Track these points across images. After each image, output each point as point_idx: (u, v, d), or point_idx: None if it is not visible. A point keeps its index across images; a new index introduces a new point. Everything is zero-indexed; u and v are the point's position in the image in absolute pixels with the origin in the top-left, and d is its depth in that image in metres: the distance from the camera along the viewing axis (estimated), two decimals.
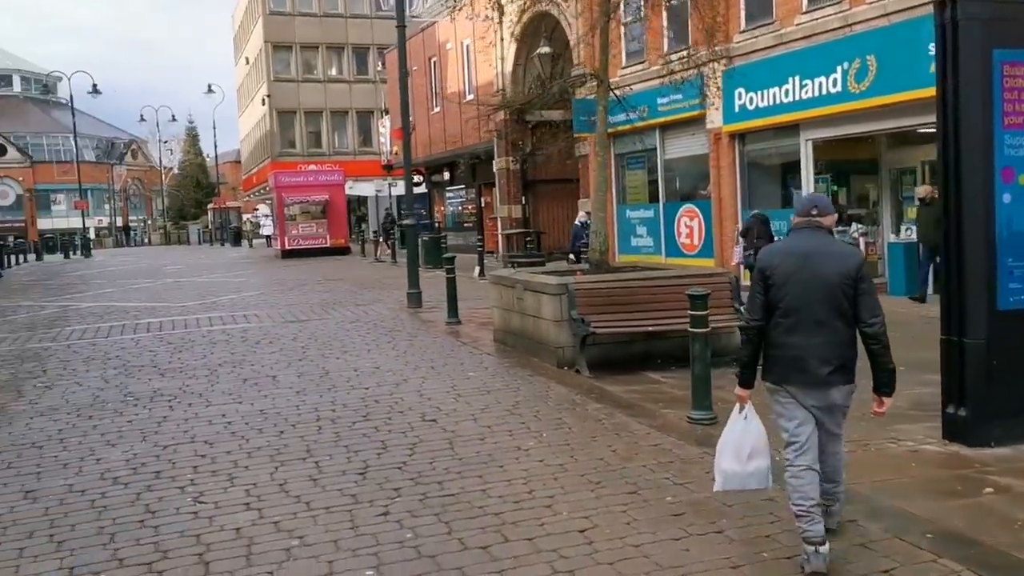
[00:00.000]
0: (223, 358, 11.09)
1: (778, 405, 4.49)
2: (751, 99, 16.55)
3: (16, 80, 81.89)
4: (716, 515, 5.05)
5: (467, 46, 29.74)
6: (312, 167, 41.81)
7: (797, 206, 4.66)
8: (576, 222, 16.37)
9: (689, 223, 19.02)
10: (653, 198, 20.24)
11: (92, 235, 61.81)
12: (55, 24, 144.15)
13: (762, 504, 5.16)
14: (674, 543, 4.68)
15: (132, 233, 76.10)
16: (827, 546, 4.21)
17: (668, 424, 7.09)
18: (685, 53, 18.21)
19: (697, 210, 18.75)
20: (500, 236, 27.15)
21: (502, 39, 26.30)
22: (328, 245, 34.47)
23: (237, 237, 51.97)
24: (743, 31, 16.84)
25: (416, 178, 38.02)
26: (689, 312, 6.97)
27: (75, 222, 62.12)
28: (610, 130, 21.14)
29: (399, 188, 40.35)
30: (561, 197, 26.96)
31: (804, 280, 4.31)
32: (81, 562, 4.78)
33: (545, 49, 23.74)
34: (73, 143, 57.25)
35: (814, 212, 4.44)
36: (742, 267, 15.25)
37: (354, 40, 50.34)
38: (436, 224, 34.76)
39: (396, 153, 38.69)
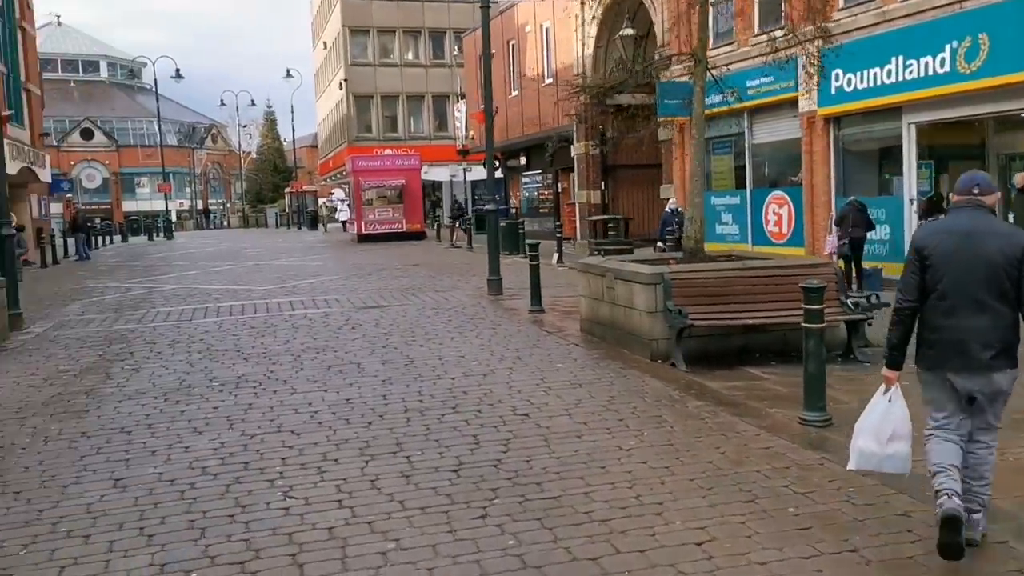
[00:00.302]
0: (306, 343, 10.97)
1: (929, 391, 4.33)
2: (848, 81, 15.77)
3: (103, 66, 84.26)
4: (847, 531, 4.60)
5: (546, 29, 29.30)
6: (388, 151, 41.93)
7: (957, 184, 4.30)
8: (666, 208, 15.87)
9: (778, 210, 18.32)
10: (740, 184, 19.56)
11: (174, 218, 63.28)
12: (138, 12, 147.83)
13: (896, 520, 4.70)
14: (804, 562, 4.26)
15: (211, 216, 77.77)
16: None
17: (778, 425, 6.63)
18: (781, 32, 17.61)
19: (787, 197, 18.03)
20: (577, 222, 26.73)
21: (583, 21, 25.81)
22: (404, 230, 34.47)
23: (314, 221, 52.54)
24: (842, 9, 16.03)
25: None
26: (803, 306, 6.49)
27: (158, 205, 63.72)
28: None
29: (474, 173, 40.23)
30: (641, 183, 26.39)
31: (965, 260, 4.09)
32: (172, 558, 4.59)
33: (628, 31, 23.22)
34: (157, 127, 58.62)
35: (976, 191, 4.21)
36: (835, 257, 14.57)
37: (431, 24, 50.25)
38: (512, 210, 34.45)
39: (472, 138, 38.56)
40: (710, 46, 19.87)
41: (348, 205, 43.07)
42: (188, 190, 79.39)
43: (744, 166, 19.29)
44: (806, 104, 16.90)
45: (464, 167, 38.80)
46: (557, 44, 28.48)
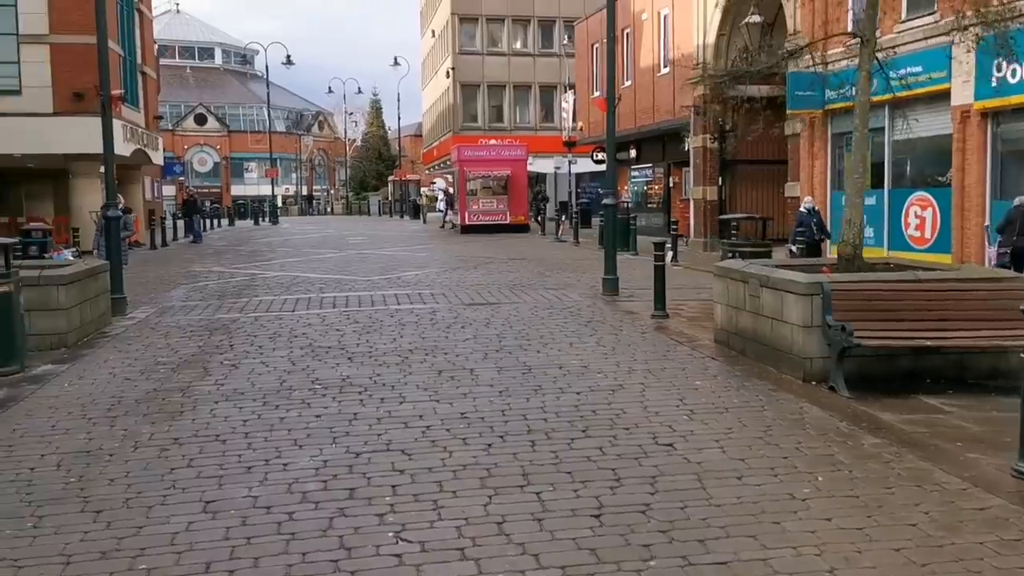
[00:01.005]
0: (413, 343, 10.19)
1: None
2: (1014, 72, 14.12)
3: (218, 53, 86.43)
4: None
5: (664, 16, 28.00)
6: (492, 142, 41.24)
7: None
8: (801, 208, 14.54)
9: (920, 213, 16.73)
10: (876, 184, 17.96)
11: (279, 203, 64.22)
12: (249, 2, 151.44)
13: None
14: None
15: (315, 202, 78.85)
16: None
17: (986, 477, 5.45)
18: (932, 17, 16.03)
19: (931, 199, 16.43)
20: (691, 219, 25.41)
21: (706, 7, 24.45)
22: (508, 222, 33.68)
23: (416, 210, 52.32)
24: None
25: (599, 155, 36.70)
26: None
27: (264, 190, 64.79)
28: (827, 107, 19.12)
29: (579, 165, 39.21)
30: (760, 180, 24.91)
31: None
32: None
33: (755, 18, 21.70)
34: (266, 114, 59.50)
35: None
36: (994, 267, 13.03)
37: (540, 13, 49.33)
38: (625, 203, 33.18)
39: (580, 129, 37.47)
40: (847, 30, 18.44)
41: (451, 195, 42.49)
42: (294, 176, 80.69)
43: (883, 164, 17.71)
44: (960, 96, 15.28)
45: (569, 159, 37.79)
46: (675, 32, 27.16)
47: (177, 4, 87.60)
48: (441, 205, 45.48)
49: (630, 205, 30.00)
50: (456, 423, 6.80)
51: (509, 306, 13.14)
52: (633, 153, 33.29)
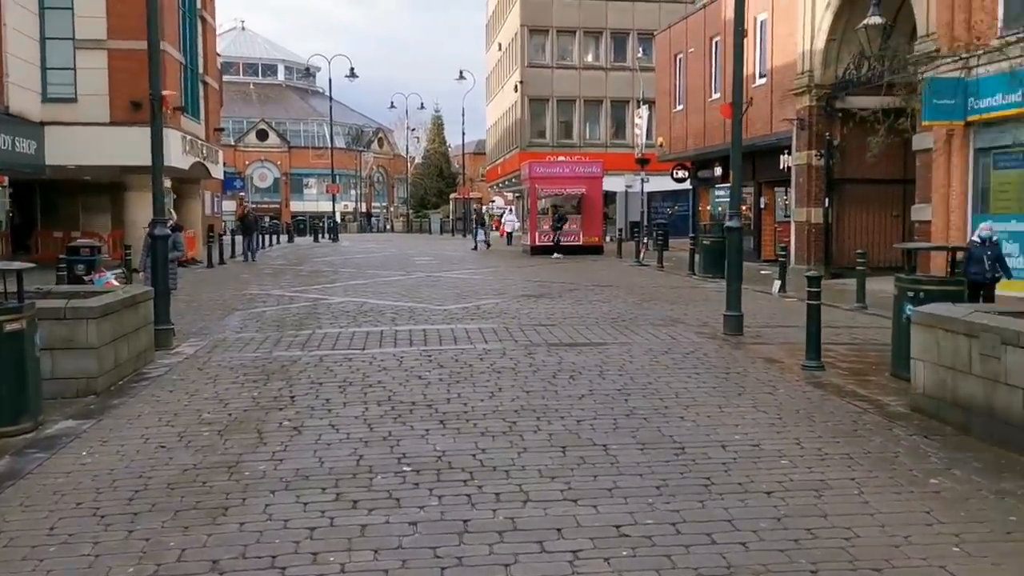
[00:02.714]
0: (518, 399, 8.12)
1: None
2: None
3: (280, 69, 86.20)
4: None
5: (761, 22, 25.75)
6: (561, 158, 39.24)
7: None
8: (973, 238, 12.13)
9: None
10: None
11: (338, 219, 63.11)
12: (312, 23, 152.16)
13: None
14: None
15: (374, 219, 77.74)
16: None
17: None
18: None
19: None
20: (792, 243, 23.00)
21: (814, 9, 22.14)
22: (581, 243, 31.61)
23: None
24: None
25: (679, 173, 34.45)
26: None
27: (323, 206, 63.79)
28: (970, 117, 16.67)
29: (652, 184, 36.92)
30: (872, 201, 22.46)
31: None
32: None
33: (876, 19, 19.35)
34: (327, 129, 58.40)
35: None
36: None
37: (613, 25, 47.31)
38: (707, 225, 30.90)
39: (661, 144, 35.28)
40: (998, 31, 15.99)
41: (520, 214, 40.56)
42: (353, 192, 79.76)
43: None
44: None
45: (642, 177, 35.59)
46: (775, 39, 24.88)
47: (242, 21, 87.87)
48: (508, 226, 43.32)
49: (707, 225, 27.54)
50: (615, 547, 4.68)
51: (617, 347, 11.00)
52: (719, 171, 30.98)
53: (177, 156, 23.31)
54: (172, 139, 22.53)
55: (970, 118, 16.38)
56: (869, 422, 7.37)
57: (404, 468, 6.08)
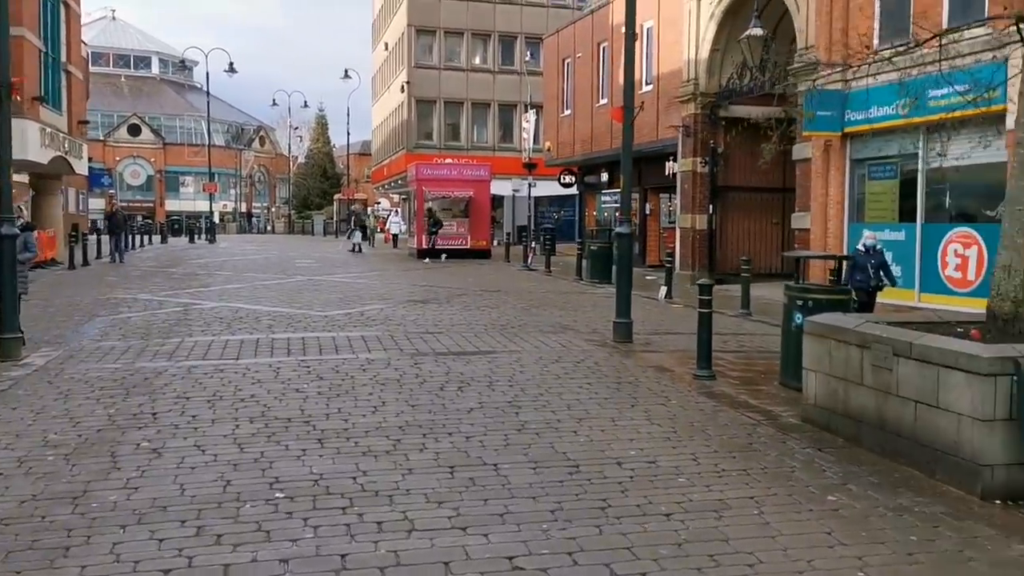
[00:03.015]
0: (403, 414, 7.64)
1: None
2: None
3: (155, 62, 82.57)
4: None
5: (648, 29, 25.97)
6: (449, 160, 38.80)
7: None
8: (858, 246, 12.29)
9: (962, 251, 14.74)
10: (906, 217, 15.97)
11: (216, 219, 60.87)
12: (189, 15, 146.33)
13: None
14: None
15: (255, 220, 75.40)
16: None
17: None
18: (982, 29, 14.15)
19: (977, 236, 14.46)
20: (677, 249, 23.23)
21: (699, 20, 22.44)
22: (468, 247, 31.23)
23: (365, 231, 49.29)
24: None
25: (567, 178, 34.53)
26: None
27: (201, 205, 61.31)
28: (848, 129, 17.11)
29: (539, 188, 36.88)
30: (752, 208, 22.95)
31: None
32: None
33: (757, 31, 19.79)
34: (205, 126, 56.19)
35: None
36: None
37: (502, 28, 47.13)
38: (595, 230, 30.99)
39: (548, 149, 35.27)
40: (874, 45, 16.45)
41: (406, 216, 39.83)
42: (232, 192, 77.16)
43: (915, 195, 15.72)
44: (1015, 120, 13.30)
45: (529, 181, 35.54)
46: (661, 47, 25.15)
47: (113, 10, 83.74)
48: (393, 228, 42.49)
49: (594, 231, 27.58)
50: None
51: (507, 356, 10.65)
52: (605, 177, 31.21)
53: (35, 149, 21.68)
54: (29, 131, 20.95)
55: (847, 129, 16.82)
56: (763, 435, 7.23)
57: (276, 495, 5.53)
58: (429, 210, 30.78)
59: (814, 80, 17.50)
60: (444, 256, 29.64)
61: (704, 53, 22.17)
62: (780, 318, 14.54)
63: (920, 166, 15.59)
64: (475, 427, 7.26)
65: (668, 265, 18.99)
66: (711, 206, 22.33)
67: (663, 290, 18.42)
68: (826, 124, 16.69)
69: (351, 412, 7.69)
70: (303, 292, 18.06)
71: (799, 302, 8.89)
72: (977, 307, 14.40)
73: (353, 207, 54.08)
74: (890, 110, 15.64)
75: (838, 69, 16.84)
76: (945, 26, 14.91)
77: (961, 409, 5.71)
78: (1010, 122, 13.52)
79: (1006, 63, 12.29)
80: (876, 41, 16.22)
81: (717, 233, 22.41)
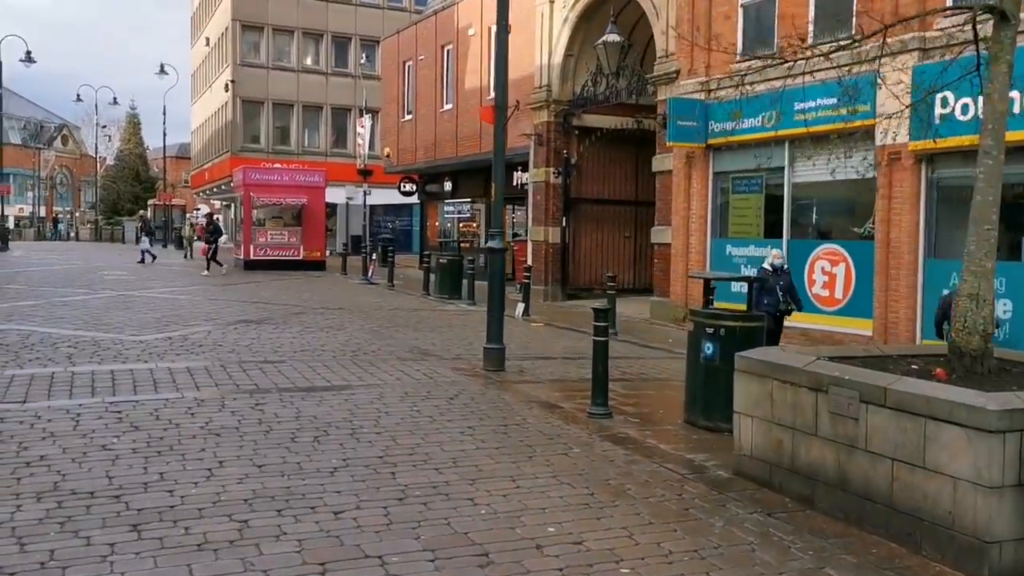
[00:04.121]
0: (248, 479, 5.95)
1: None
2: (964, 107, 12.02)
3: None
4: None
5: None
6: (278, 165, 36.34)
7: None
8: (764, 266, 11.31)
9: (829, 269, 14.40)
10: (771, 233, 15.54)
11: (11, 224, 55.07)
12: None
13: None
14: None
15: (60, 225, 69.11)
16: None
17: None
18: (850, 42, 13.84)
19: (844, 253, 14.14)
20: (529, 262, 22.20)
21: (551, 24, 21.55)
22: (301, 258, 29.11)
23: (180, 241, 45.67)
24: (951, 15, 12.32)
25: (407, 186, 32.97)
26: None
27: None
28: (711, 140, 16.57)
29: (376, 196, 35.11)
30: (606, 221, 22.29)
31: None
32: None
33: (614, 37, 19.08)
34: None
35: None
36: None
37: (334, 28, 44.94)
38: (440, 242, 29.55)
39: (388, 156, 33.60)
40: (736, 58, 15.95)
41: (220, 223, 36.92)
42: (30, 195, 70.44)
43: (781, 210, 15.30)
44: (887, 136, 13.00)
45: (364, 189, 33.74)
46: (510, 50, 24.03)
47: None
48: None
49: (455, 243, 26.09)
50: None
51: (366, 392, 9.07)
52: (448, 186, 29.92)
53: None
54: None
55: (711, 141, 16.28)
56: (696, 494, 6.05)
57: None
58: (209, 215, 29.08)
59: (674, 89, 16.91)
60: (224, 268, 26.74)
61: (558, 58, 21.29)
62: (647, 337, 13.56)
63: (786, 180, 15.19)
64: (343, 496, 5.69)
65: (527, 280, 17.85)
66: (564, 218, 21.43)
67: (520, 307, 17.29)
68: (689, 135, 16.08)
69: (178, 479, 5.92)
70: (112, 311, 15.62)
71: (709, 330, 7.83)
72: (845, 326, 14.18)
73: (140, 212, 50.36)
74: (756, 122, 15.19)
75: (701, 79, 16.33)
76: (812, 38, 14.60)
77: (959, 472, 4.70)
78: (879, 137, 13.30)
79: (876, 76, 11.86)
80: (740, 49, 15.74)
81: (570, 247, 21.55)
